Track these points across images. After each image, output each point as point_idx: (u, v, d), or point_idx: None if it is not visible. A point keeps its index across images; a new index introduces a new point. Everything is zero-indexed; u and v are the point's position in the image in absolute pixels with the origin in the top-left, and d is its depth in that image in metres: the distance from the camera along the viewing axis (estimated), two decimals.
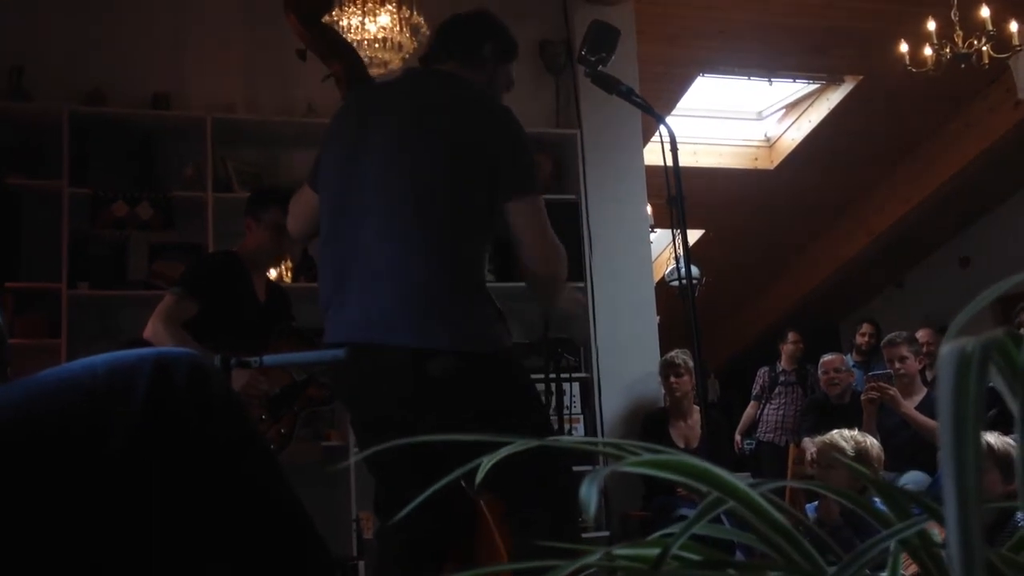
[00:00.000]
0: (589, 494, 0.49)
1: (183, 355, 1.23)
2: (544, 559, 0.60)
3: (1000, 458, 2.98)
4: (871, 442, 3.83)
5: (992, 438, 3.05)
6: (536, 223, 2.59)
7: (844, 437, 3.82)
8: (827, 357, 6.42)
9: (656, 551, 0.58)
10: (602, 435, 5.49)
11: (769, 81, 8.21)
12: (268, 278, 4.20)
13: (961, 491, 0.35)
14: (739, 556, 1.44)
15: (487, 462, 0.74)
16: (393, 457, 2.61)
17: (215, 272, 3.95)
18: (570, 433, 5.37)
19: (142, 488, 1.20)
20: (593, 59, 3.09)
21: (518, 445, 0.72)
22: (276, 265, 4.14)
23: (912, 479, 4.98)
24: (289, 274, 5.43)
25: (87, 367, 1.21)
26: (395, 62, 4.49)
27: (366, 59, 4.33)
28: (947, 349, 0.39)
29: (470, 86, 2.69)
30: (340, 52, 3.04)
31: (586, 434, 5.64)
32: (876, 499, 0.73)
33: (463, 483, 3.68)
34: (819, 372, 6.42)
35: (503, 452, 0.72)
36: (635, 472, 0.60)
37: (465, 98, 2.65)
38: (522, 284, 5.09)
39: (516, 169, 2.58)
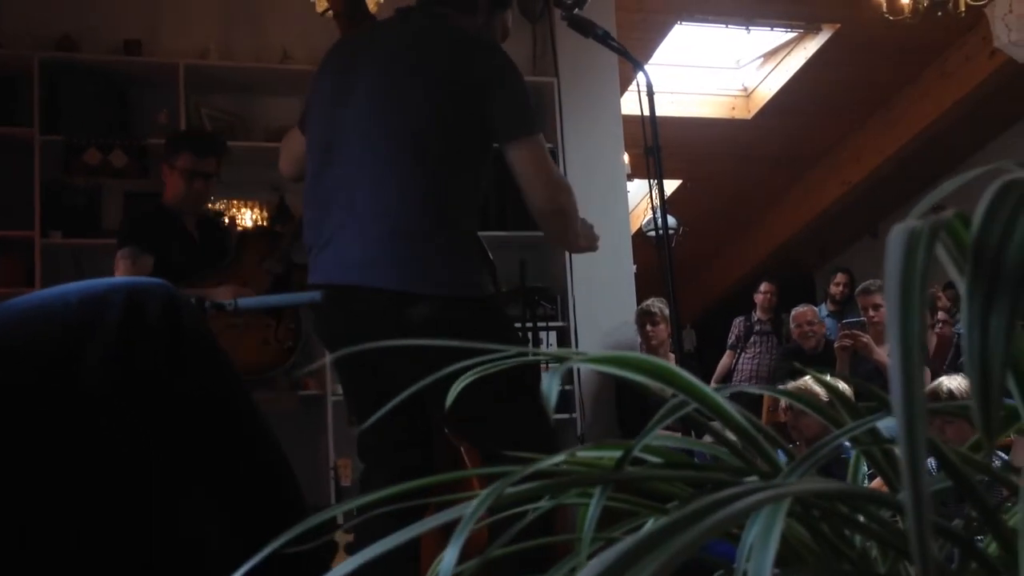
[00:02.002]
0: (551, 387, 0.50)
1: (156, 286, 1.23)
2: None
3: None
4: (843, 387, 3.86)
5: (953, 383, 3.06)
6: (536, 160, 2.56)
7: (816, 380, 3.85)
8: (798, 309, 6.46)
9: (618, 453, 0.59)
10: (578, 384, 5.52)
11: (747, 29, 8.18)
12: (197, 219, 4.14)
13: (905, 357, 0.36)
14: None
15: (458, 383, 0.75)
16: (374, 399, 2.62)
17: (153, 221, 3.94)
18: None
19: (115, 418, 1.20)
20: (569, 1, 3.07)
21: (488, 367, 0.72)
22: (202, 206, 4.12)
23: (884, 424, 5.04)
24: (266, 223, 5.41)
25: (60, 297, 1.21)
26: (369, 5, 4.43)
27: None
28: (897, 227, 0.40)
29: (462, 28, 2.66)
30: None
31: (563, 383, 5.67)
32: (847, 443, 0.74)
33: (445, 429, 3.71)
34: (792, 325, 6.47)
35: (471, 375, 0.73)
36: (599, 370, 0.61)
37: (457, 39, 2.61)
38: (496, 233, 5.10)
39: (511, 110, 2.55)
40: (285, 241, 4.04)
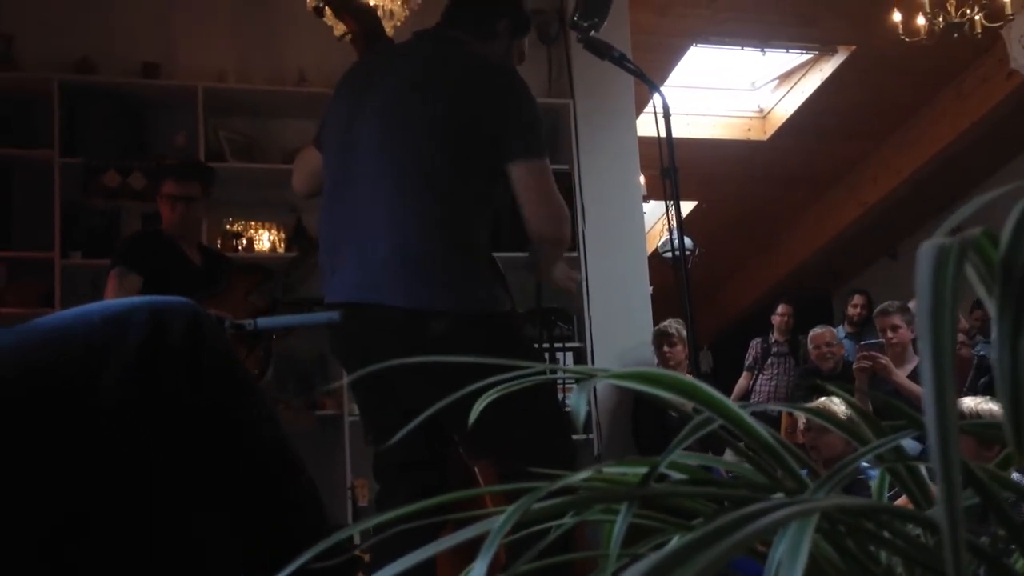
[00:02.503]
0: (579, 403, 0.50)
1: (178, 304, 1.24)
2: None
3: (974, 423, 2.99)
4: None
5: (969, 401, 3.06)
6: (539, 184, 2.58)
7: (835, 402, 3.84)
8: (816, 331, 6.43)
9: (644, 470, 0.60)
10: (595, 404, 5.51)
11: (762, 51, 8.19)
12: (201, 244, 4.32)
13: (937, 374, 0.36)
14: None
15: (481, 400, 0.75)
16: (392, 419, 2.62)
17: (145, 245, 4.11)
18: (564, 403, 5.38)
19: (137, 437, 1.21)
20: (585, 24, 3.10)
21: (512, 385, 0.72)
22: (195, 231, 4.26)
23: (904, 446, 5.01)
24: (283, 245, 5.44)
25: (83, 316, 1.22)
26: (386, 30, 4.47)
27: None
28: (926, 244, 0.40)
29: (476, 53, 2.68)
30: (356, 10, 3.02)
31: (586, 405, 5.66)
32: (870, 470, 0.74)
33: (461, 449, 3.70)
34: (810, 346, 6.44)
35: (493, 393, 0.73)
36: (622, 386, 0.61)
37: (470, 63, 2.64)
38: (514, 255, 5.10)
39: (519, 132, 2.57)
40: (271, 280, 4.16)
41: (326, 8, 3.05)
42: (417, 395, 2.39)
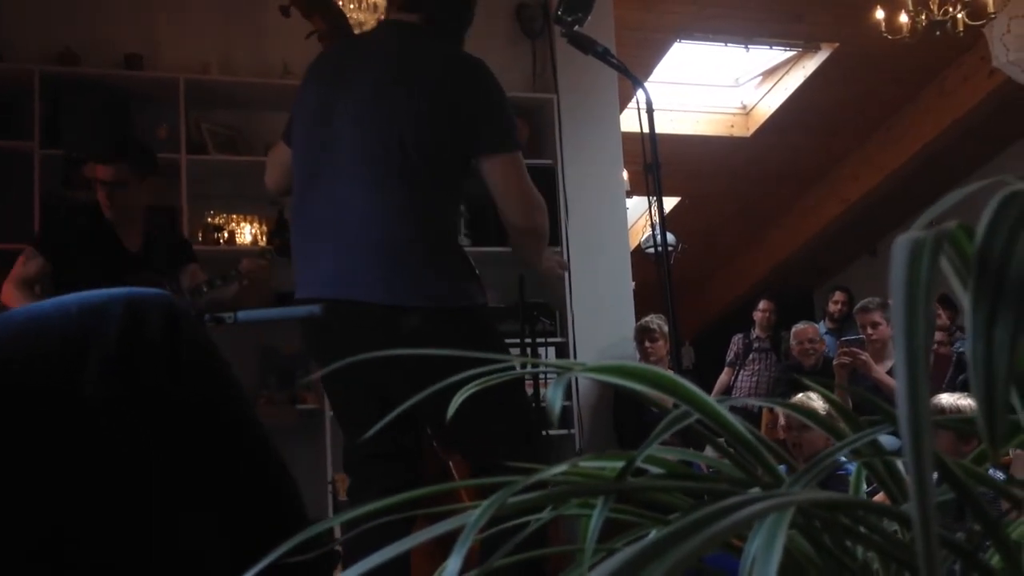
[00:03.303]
0: (554, 398, 0.50)
1: (155, 296, 1.23)
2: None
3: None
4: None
5: (948, 398, 3.08)
6: (512, 176, 2.57)
7: (814, 398, 3.85)
8: (799, 326, 6.46)
9: (621, 464, 0.59)
10: (577, 400, 5.52)
11: (746, 48, 8.21)
12: (147, 230, 4.09)
13: (911, 368, 0.36)
14: None
15: (459, 395, 0.74)
16: (364, 412, 2.61)
17: (64, 227, 3.99)
18: (542, 397, 5.39)
19: (115, 430, 1.20)
20: (569, 19, 3.08)
21: (489, 379, 0.72)
22: (121, 215, 3.95)
23: (883, 442, 5.04)
24: (264, 238, 5.41)
25: (59, 308, 1.21)
26: (370, 23, 4.46)
27: None
28: (901, 238, 0.40)
29: (447, 44, 2.67)
30: (323, 8, 3.01)
31: (561, 399, 5.67)
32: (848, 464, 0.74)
33: (434, 443, 3.69)
34: (793, 342, 6.47)
35: (472, 387, 0.73)
36: (601, 380, 0.61)
37: (442, 54, 2.62)
38: (496, 249, 5.09)
39: (491, 125, 2.56)
40: (202, 278, 4.08)
41: (291, 7, 3.03)
42: (393, 389, 2.38)
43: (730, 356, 7.75)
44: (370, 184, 2.51)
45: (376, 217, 2.49)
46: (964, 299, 0.43)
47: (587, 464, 0.64)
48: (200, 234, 5.24)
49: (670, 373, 0.59)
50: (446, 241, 2.57)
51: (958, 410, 3.04)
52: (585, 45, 3.07)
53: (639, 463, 0.59)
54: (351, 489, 2.76)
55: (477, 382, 0.69)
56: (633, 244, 7.44)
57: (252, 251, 4.79)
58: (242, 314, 2.57)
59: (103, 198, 3.89)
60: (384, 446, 2.60)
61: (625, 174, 6.50)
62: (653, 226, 3.08)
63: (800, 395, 3.91)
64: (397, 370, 2.40)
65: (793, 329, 6.46)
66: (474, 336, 2.52)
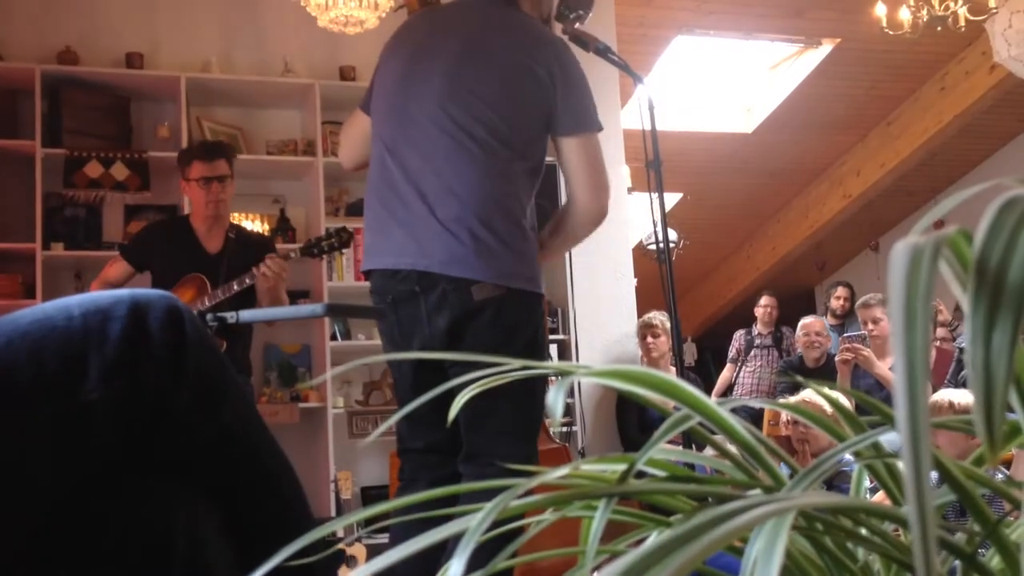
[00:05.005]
0: (556, 400, 0.50)
1: (158, 298, 1.23)
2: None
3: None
4: (843, 400, 3.86)
5: (959, 395, 3.08)
6: (592, 158, 2.56)
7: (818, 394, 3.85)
8: (807, 320, 6.46)
9: (621, 466, 0.60)
10: (579, 397, 5.52)
11: (747, 44, 8.19)
12: (228, 232, 4.14)
13: (909, 374, 0.37)
14: None
15: (468, 391, 0.74)
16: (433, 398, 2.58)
17: (149, 234, 4.19)
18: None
19: (118, 431, 1.20)
20: (571, 16, 3.07)
21: (503, 376, 0.72)
22: (222, 216, 4.07)
23: (886, 438, 5.04)
24: (267, 235, 5.41)
25: (63, 309, 1.21)
26: (371, 21, 4.46)
27: (340, 18, 4.30)
28: (900, 244, 0.41)
29: (529, 17, 2.63)
30: None
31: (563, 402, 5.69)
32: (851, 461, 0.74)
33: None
34: (799, 334, 6.46)
35: (489, 382, 0.72)
36: (602, 383, 0.61)
37: (527, 30, 2.59)
38: None
39: (573, 104, 2.54)
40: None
41: None
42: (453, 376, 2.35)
43: (732, 352, 7.76)
44: (450, 158, 2.47)
45: (455, 191, 2.45)
46: (963, 302, 0.43)
47: (589, 467, 0.64)
48: None
49: (670, 376, 0.60)
50: (520, 219, 2.52)
51: (966, 409, 3.04)
52: (586, 42, 3.07)
53: (641, 466, 0.59)
54: (401, 473, 2.69)
55: (489, 379, 0.69)
56: (635, 240, 7.44)
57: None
58: (244, 313, 2.57)
59: (208, 195, 3.98)
60: (437, 441, 2.54)
61: (627, 170, 6.50)
62: (655, 223, 3.08)
63: (806, 391, 3.91)
64: (463, 347, 2.40)
65: (801, 322, 6.46)
66: (540, 323, 2.51)
